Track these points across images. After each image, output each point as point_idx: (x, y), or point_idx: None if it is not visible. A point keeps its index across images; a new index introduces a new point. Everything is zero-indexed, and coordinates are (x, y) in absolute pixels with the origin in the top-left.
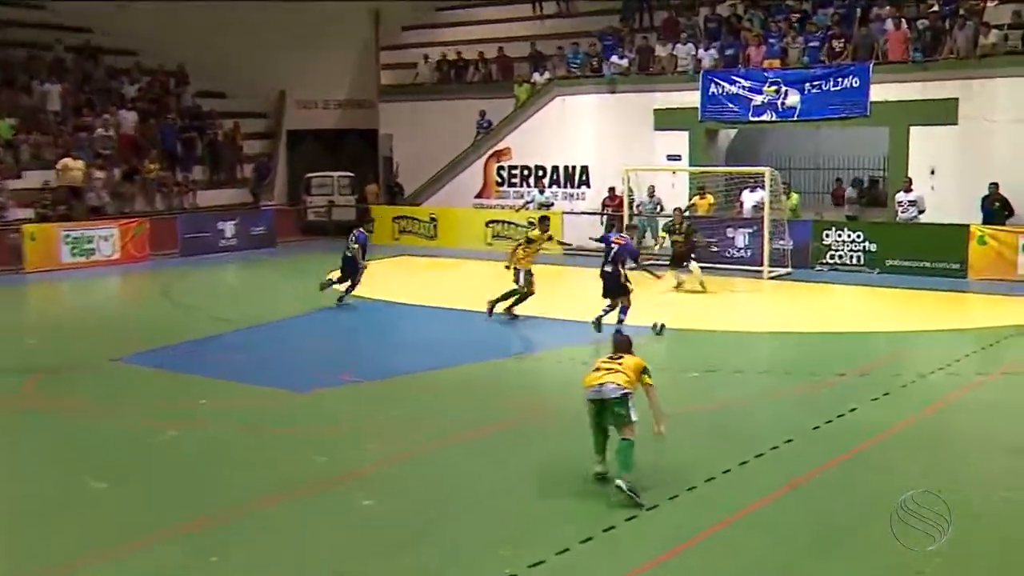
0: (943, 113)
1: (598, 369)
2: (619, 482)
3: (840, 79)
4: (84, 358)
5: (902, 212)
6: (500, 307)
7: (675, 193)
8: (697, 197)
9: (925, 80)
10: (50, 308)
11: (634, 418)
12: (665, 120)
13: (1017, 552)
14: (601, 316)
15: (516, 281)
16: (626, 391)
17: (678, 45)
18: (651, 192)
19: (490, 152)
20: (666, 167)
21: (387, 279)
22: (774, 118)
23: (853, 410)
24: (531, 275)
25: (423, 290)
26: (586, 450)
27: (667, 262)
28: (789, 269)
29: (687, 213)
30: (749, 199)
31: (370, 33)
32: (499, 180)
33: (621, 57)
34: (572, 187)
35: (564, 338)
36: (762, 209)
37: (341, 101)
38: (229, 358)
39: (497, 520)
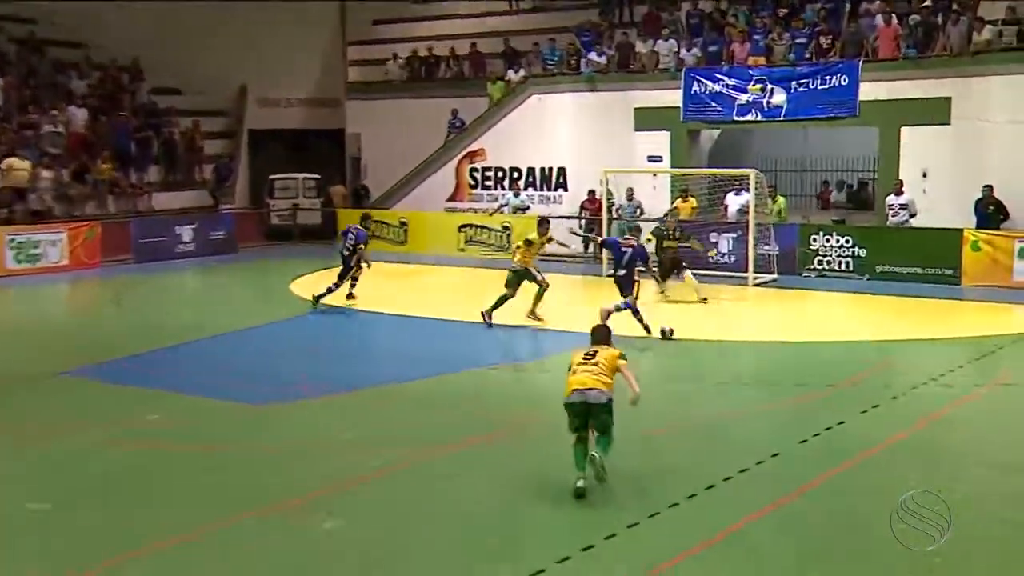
0: (935, 113)
1: (575, 372)
2: (594, 453)
3: (828, 77)
4: (27, 370)
5: (893, 216)
6: (527, 310)
7: (656, 196)
8: (679, 200)
9: (917, 78)
10: None
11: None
12: (646, 120)
13: None
14: (636, 313)
15: (534, 279)
16: (610, 396)
17: (659, 41)
18: (630, 195)
19: (463, 153)
20: (647, 169)
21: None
22: (759, 118)
23: (841, 423)
24: (539, 271)
25: (392, 298)
26: (563, 464)
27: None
28: (775, 275)
29: (667, 217)
30: (733, 202)
31: (337, 27)
32: (472, 182)
33: (600, 54)
34: (549, 190)
35: (544, 347)
36: (747, 213)
37: (306, 99)
38: (184, 370)
39: (468, 539)
